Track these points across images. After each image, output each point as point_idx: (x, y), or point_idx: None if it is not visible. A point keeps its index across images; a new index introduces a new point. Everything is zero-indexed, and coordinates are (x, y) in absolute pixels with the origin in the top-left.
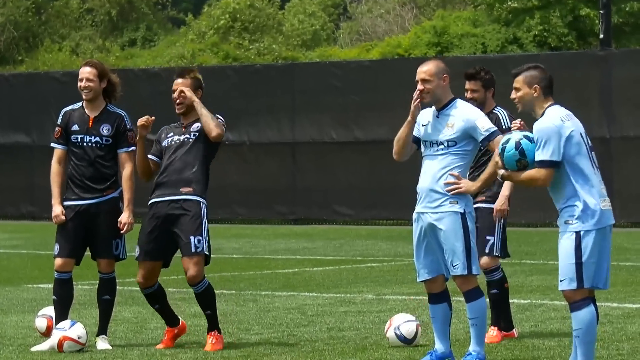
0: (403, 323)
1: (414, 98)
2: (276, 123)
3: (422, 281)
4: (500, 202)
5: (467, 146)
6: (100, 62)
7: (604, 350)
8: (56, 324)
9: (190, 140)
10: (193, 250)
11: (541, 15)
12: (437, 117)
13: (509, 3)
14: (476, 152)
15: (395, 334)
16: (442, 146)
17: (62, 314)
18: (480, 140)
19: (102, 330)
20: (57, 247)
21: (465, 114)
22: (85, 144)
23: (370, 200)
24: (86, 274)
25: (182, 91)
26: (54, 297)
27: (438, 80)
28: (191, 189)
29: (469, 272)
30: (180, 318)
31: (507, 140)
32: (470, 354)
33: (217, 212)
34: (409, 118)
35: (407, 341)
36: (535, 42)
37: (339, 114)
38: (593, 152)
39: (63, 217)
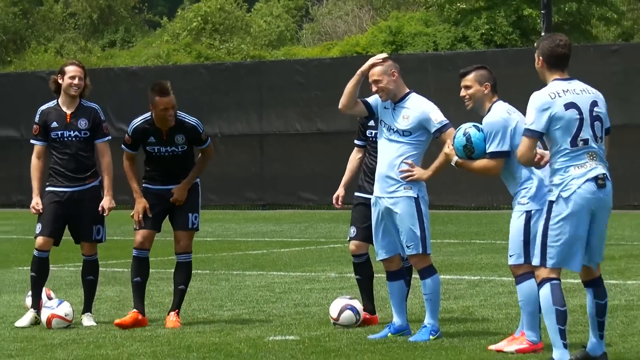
0: (352, 299)
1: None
2: (245, 116)
3: (380, 260)
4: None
5: (421, 137)
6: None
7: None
8: (33, 299)
9: (181, 152)
10: (190, 226)
11: (487, 15)
12: (394, 109)
13: (458, 4)
14: (429, 142)
15: (348, 307)
16: (397, 134)
17: (39, 289)
18: (433, 131)
19: (87, 308)
20: (39, 226)
21: (420, 107)
22: (65, 139)
23: (332, 186)
24: (71, 256)
25: (172, 108)
26: (32, 273)
27: (388, 77)
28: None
29: (423, 252)
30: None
31: (458, 129)
32: (425, 326)
33: None
34: (358, 71)
35: (359, 317)
36: (483, 40)
37: (303, 107)
38: None
39: (40, 208)
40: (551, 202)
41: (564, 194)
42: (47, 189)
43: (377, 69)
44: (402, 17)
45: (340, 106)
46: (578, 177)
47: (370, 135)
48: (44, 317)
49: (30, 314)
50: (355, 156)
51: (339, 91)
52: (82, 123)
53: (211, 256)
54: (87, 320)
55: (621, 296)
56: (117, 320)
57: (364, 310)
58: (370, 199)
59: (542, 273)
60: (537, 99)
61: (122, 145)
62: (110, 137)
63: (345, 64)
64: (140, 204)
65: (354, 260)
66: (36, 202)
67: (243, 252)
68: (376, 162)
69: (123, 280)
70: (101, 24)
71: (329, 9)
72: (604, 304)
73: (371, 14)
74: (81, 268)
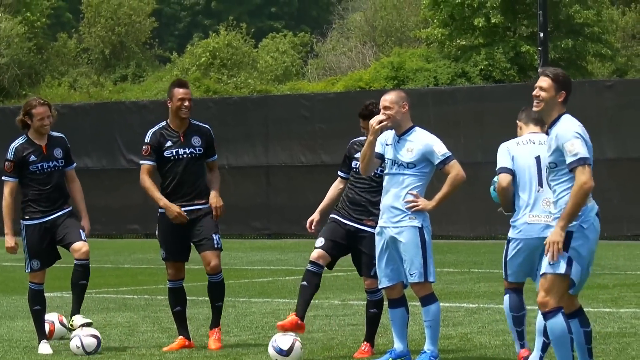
0: (279, 337)
1: (378, 120)
2: (252, 148)
3: (382, 288)
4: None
5: (425, 169)
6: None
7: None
8: (41, 331)
9: (197, 155)
10: (216, 246)
11: (486, 52)
12: (398, 141)
13: (458, 41)
14: (432, 173)
15: (272, 346)
16: (402, 167)
17: (43, 320)
18: (436, 163)
19: (77, 310)
20: (35, 263)
21: (423, 140)
22: (46, 170)
23: None
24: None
25: (190, 99)
26: (37, 307)
27: (398, 108)
28: (204, 201)
29: (425, 280)
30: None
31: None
32: (425, 352)
33: None
34: (370, 138)
35: (282, 353)
36: (482, 76)
37: (308, 140)
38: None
39: (17, 248)
40: (571, 232)
41: (585, 225)
42: (29, 222)
43: (390, 97)
44: (404, 53)
45: (363, 173)
46: (591, 211)
47: (354, 167)
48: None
49: (45, 344)
50: (337, 186)
51: (343, 124)
52: (58, 152)
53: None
54: (81, 319)
55: (614, 324)
56: (165, 348)
57: (296, 315)
58: (344, 223)
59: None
60: (576, 130)
61: (142, 161)
62: (75, 164)
63: (349, 98)
64: (174, 207)
65: (308, 267)
66: (15, 241)
67: (249, 280)
68: (356, 193)
69: (133, 306)
70: (113, 59)
71: (333, 45)
72: (590, 331)
73: (374, 50)
74: (72, 273)
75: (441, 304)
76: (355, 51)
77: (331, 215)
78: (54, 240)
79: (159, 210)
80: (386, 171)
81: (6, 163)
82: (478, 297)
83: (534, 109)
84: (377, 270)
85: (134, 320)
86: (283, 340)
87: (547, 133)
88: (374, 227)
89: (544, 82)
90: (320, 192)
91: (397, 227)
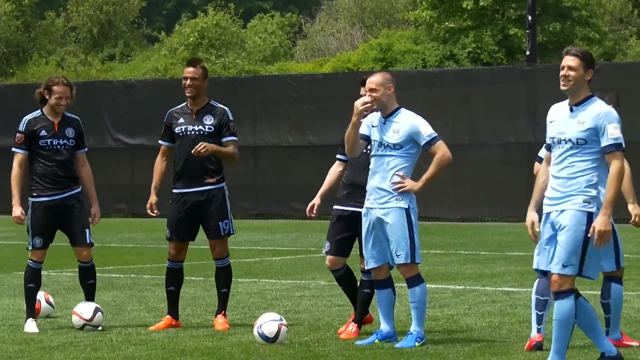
0: (265, 322)
1: (363, 102)
2: (239, 129)
3: (369, 269)
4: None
5: (411, 150)
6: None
7: (529, 330)
8: (30, 309)
9: (205, 133)
10: (222, 233)
11: (475, 34)
12: (384, 123)
13: (446, 23)
14: (419, 154)
15: (258, 332)
16: (388, 149)
17: (34, 299)
18: (422, 144)
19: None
20: (37, 240)
21: (409, 121)
22: (55, 147)
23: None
24: (70, 262)
25: (195, 78)
26: (31, 285)
27: (384, 90)
28: (214, 180)
29: (411, 261)
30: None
31: None
32: (411, 333)
33: None
34: (354, 119)
35: (269, 340)
36: (470, 58)
37: (295, 121)
38: None
39: (24, 218)
40: (591, 214)
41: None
42: (35, 199)
43: (376, 79)
44: (392, 35)
45: (349, 154)
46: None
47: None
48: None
49: (32, 323)
50: (335, 169)
51: (331, 105)
52: (70, 132)
53: (205, 264)
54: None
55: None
56: (151, 327)
57: (353, 320)
58: (345, 211)
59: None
60: (614, 113)
61: (160, 141)
62: (87, 149)
63: (337, 80)
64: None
65: (333, 275)
66: (21, 211)
67: (236, 260)
68: (354, 176)
69: (120, 285)
70: (101, 38)
71: (322, 27)
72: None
73: (362, 32)
74: (78, 274)
75: (427, 286)
76: (343, 32)
77: (334, 207)
78: (58, 223)
79: (173, 190)
80: (372, 153)
81: (17, 134)
82: (464, 279)
83: (562, 88)
84: (363, 251)
85: (121, 299)
86: (268, 326)
87: (571, 110)
88: (358, 207)
89: (572, 61)
90: (308, 172)
91: (383, 208)
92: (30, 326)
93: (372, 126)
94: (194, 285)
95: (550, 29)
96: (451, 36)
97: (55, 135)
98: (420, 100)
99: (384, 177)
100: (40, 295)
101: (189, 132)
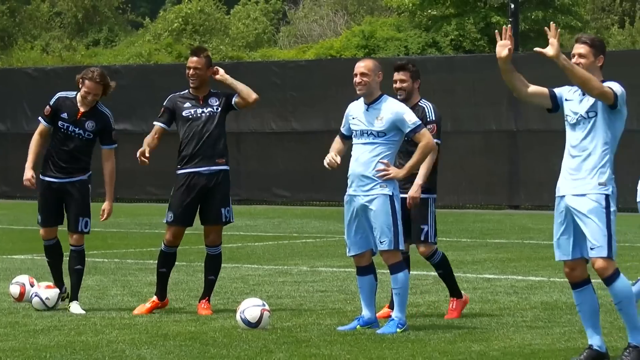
0: (248, 308)
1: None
2: None
3: (351, 256)
4: (413, 190)
5: (395, 137)
6: (103, 73)
7: (510, 317)
8: (56, 281)
9: (216, 114)
10: (223, 220)
11: (457, 22)
12: (367, 110)
13: (429, 11)
14: (401, 142)
15: (240, 317)
16: (372, 136)
17: (57, 271)
18: (406, 132)
19: (75, 296)
20: (40, 218)
21: (393, 108)
22: (69, 132)
23: (305, 183)
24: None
25: (198, 68)
26: (48, 259)
27: (374, 76)
28: (224, 160)
29: (395, 247)
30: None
31: None
32: (393, 319)
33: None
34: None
35: (251, 325)
36: (452, 46)
37: (279, 107)
38: None
39: (34, 182)
40: (608, 197)
41: (614, 190)
42: (42, 178)
43: (367, 64)
44: (375, 22)
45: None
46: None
47: None
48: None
49: (76, 305)
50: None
51: (314, 92)
52: (90, 125)
53: (188, 248)
54: (76, 308)
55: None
56: (135, 310)
57: (389, 307)
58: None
59: (614, 265)
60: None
61: (156, 122)
62: (115, 145)
63: (320, 66)
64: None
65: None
66: (31, 174)
67: None
68: (402, 162)
69: (103, 269)
70: (86, 23)
71: (305, 13)
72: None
73: (345, 19)
74: (68, 258)
75: (409, 272)
76: (327, 19)
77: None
78: (60, 205)
79: (180, 172)
80: (355, 141)
81: (46, 107)
82: None
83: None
84: (345, 237)
85: (104, 283)
86: (251, 311)
87: (582, 94)
88: (405, 192)
89: (581, 49)
90: (290, 159)
91: (367, 195)
92: (75, 307)
93: (352, 117)
94: (177, 270)
95: (532, 17)
96: (434, 24)
97: (74, 122)
98: None
99: (368, 165)
100: (25, 279)
101: (199, 114)
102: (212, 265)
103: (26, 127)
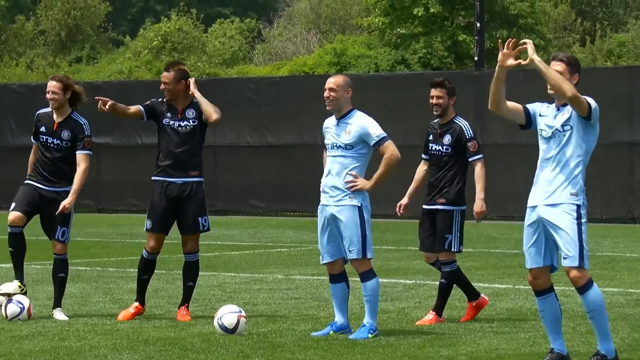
0: (225, 314)
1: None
2: None
3: (324, 263)
4: (478, 206)
5: (362, 150)
6: (65, 76)
7: (476, 323)
8: (16, 271)
9: (191, 127)
10: (200, 228)
11: (425, 40)
12: (337, 124)
13: (398, 30)
14: (370, 154)
15: (218, 324)
16: (341, 149)
17: (19, 262)
18: (372, 144)
19: (58, 303)
20: (12, 205)
21: (360, 122)
22: (49, 144)
23: (279, 195)
24: (38, 255)
25: (166, 82)
26: (10, 249)
27: (342, 92)
28: (197, 172)
29: (363, 256)
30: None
31: None
32: (365, 325)
33: None
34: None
35: (228, 331)
36: (420, 63)
37: (254, 122)
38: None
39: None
40: (579, 207)
41: (585, 201)
42: (26, 181)
43: (337, 79)
44: (347, 40)
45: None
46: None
47: (430, 150)
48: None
49: (15, 282)
50: (421, 168)
51: (288, 107)
52: (65, 134)
53: (167, 257)
54: (59, 315)
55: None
56: (120, 316)
57: (469, 300)
58: (427, 210)
59: (586, 274)
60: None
61: (142, 105)
62: (90, 152)
63: (294, 83)
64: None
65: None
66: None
67: None
68: (430, 175)
69: (86, 277)
70: (69, 41)
71: (280, 32)
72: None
73: (318, 37)
74: (52, 266)
75: (380, 280)
76: (300, 37)
77: (423, 207)
78: (37, 208)
79: (156, 178)
80: (328, 153)
81: (33, 127)
82: (415, 274)
83: (550, 92)
84: (319, 246)
85: (87, 291)
86: (228, 318)
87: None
88: (443, 204)
89: (558, 66)
90: (265, 171)
91: (337, 205)
92: (7, 286)
93: (326, 131)
94: (157, 278)
95: (498, 35)
96: (402, 42)
97: (52, 134)
98: (373, 103)
99: (338, 176)
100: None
101: (175, 127)
102: (190, 272)
103: (11, 141)
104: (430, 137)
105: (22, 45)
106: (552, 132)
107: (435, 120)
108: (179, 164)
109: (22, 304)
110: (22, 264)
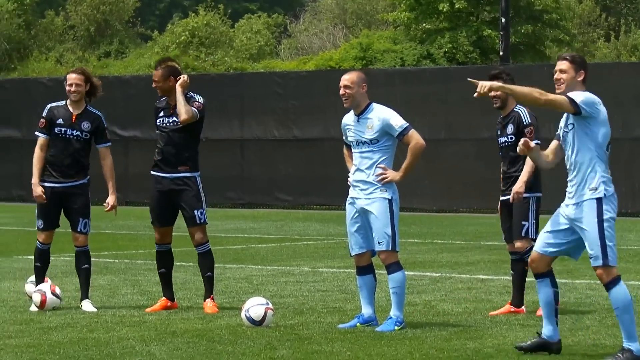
0: (252, 306)
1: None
2: (228, 123)
3: (353, 255)
4: (518, 185)
5: (388, 142)
6: (85, 69)
7: (503, 316)
8: (37, 285)
9: (178, 124)
10: (198, 222)
11: (450, 35)
12: (358, 121)
13: (423, 25)
14: (396, 145)
15: (245, 316)
16: (366, 145)
17: (42, 277)
18: (395, 135)
19: (85, 295)
20: (40, 222)
21: (380, 115)
22: (67, 136)
23: (306, 188)
24: (67, 247)
25: (155, 80)
26: (37, 264)
27: (358, 88)
28: (187, 167)
29: (392, 249)
30: (175, 298)
31: None
32: (391, 317)
33: None
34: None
35: (255, 323)
36: (446, 58)
37: (281, 115)
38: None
39: (44, 197)
40: (600, 200)
41: (608, 192)
42: (43, 184)
43: (351, 76)
44: (372, 35)
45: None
46: (609, 180)
47: (500, 145)
48: (37, 299)
49: (49, 281)
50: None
51: (314, 101)
52: (85, 125)
53: (194, 250)
54: (88, 306)
55: (570, 294)
56: (148, 309)
57: (511, 304)
58: (503, 201)
59: (612, 272)
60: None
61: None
62: (110, 143)
63: (319, 77)
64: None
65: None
66: (41, 190)
67: (224, 247)
68: (504, 168)
69: (114, 269)
70: (98, 36)
71: (306, 27)
72: (558, 292)
73: (344, 32)
74: (75, 259)
75: (406, 273)
76: (326, 32)
77: (501, 198)
78: (61, 208)
79: (151, 172)
80: (353, 150)
81: (40, 119)
82: (441, 267)
83: (557, 91)
84: (348, 238)
85: (115, 283)
86: (255, 310)
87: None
88: (506, 195)
89: (562, 65)
90: (292, 165)
91: (368, 198)
92: (87, 305)
93: (347, 128)
94: (185, 271)
95: (523, 30)
96: (428, 37)
97: (71, 126)
98: (399, 97)
99: (368, 171)
100: (46, 287)
101: (165, 124)
102: (204, 262)
103: None
104: (498, 132)
105: (52, 40)
106: (562, 134)
107: (501, 116)
108: (168, 160)
109: (56, 294)
110: (44, 277)
